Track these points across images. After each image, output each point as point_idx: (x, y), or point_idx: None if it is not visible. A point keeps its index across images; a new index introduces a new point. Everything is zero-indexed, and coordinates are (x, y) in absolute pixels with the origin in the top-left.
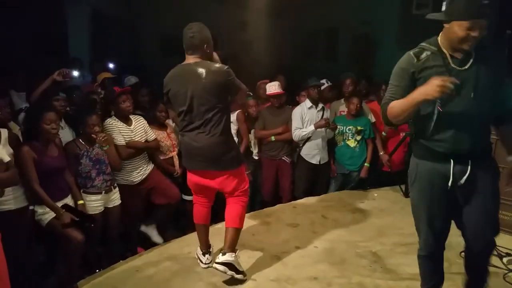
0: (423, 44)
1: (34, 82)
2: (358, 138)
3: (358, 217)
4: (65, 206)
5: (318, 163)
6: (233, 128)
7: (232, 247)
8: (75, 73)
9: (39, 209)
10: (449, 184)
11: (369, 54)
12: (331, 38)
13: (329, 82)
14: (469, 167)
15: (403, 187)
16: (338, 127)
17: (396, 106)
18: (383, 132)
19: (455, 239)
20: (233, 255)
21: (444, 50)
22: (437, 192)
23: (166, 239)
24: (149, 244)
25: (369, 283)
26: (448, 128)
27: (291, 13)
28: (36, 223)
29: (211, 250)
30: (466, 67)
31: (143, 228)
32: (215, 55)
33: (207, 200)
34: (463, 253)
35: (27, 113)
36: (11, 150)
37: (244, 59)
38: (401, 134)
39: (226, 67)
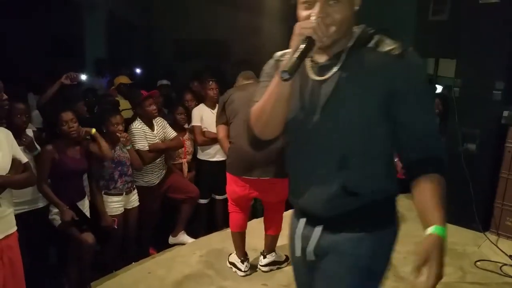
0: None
1: (44, 86)
2: None
3: None
4: (70, 205)
5: None
6: None
7: (271, 250)
8: (83, 76)
9: (54, 209)
10: (298, 253)
11: None
12: None
13: None
14: (317, 234)
15: None
16: None
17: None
18: None
19: (470, 248)
20: (273, 254)
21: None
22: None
23: (196, 235)
24: (161, 246)
25: None
26: (292, 161)
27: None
28: (49, 223)
29: (248, 257)
30: (325, 77)
31: (172, 240)
32: None
33: (245, 208)
34: (478, 263)
35: (44, 116)
36: (39, 149)
37: (257, 64)
38: None
39: None
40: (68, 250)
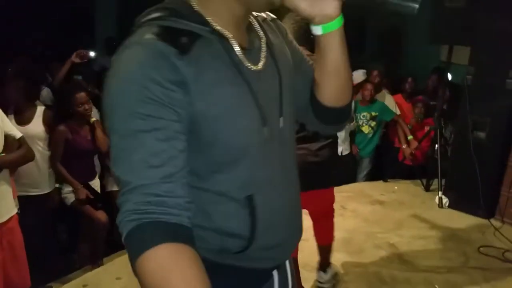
0: (164, 14)
1: (55, 67)
2: (373, 124)
3: (377, 209)
4: (84, 184)
5: (340, 154)
6: None
7: (329, 262)
8: (92, 54)
9: (66, 188)
10: None
11: (397, 47)
12: (358, 29)
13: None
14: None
15: (424, 181)
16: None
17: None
18: (408, 125)
19: (474, 234)
20: (331, 266)
21: (222, 30)
22: None
23: None
24: None
25: (385, 273)
26: (246, 186)
27: None
28: (60, 201)
29: None
30: (260, 66)
31: None
32: None
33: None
34: (481, 249)
35: (58, 96)
36: (42, 128)
37: None
38: (425, 128)
39: None
40: (80, 227)
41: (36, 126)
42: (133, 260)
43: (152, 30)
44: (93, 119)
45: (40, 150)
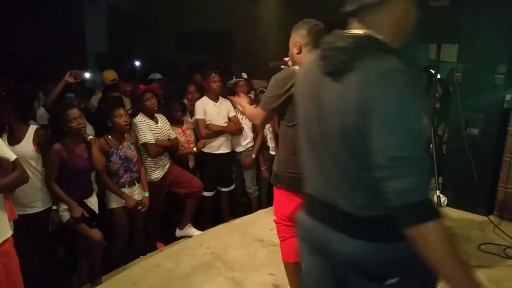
0: (384, 48)
1: (49, 86)
2: None
3: None
4: (79, 202)
5: None
6: (249, 123)
7: None
8: (87, 74)
9: (62, 205)
10: None
11: None
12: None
13: None
14: None
15: None
16: None
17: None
18: None
19: (474, 232)
20: None
21: None
22: None
23: (203, 228)
24: (168, 240)
25: None
26: None
27: (306, 5)
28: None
29: None
30: None
31: (179, 233)
32: None
33: None
34: (482, 246)
35: (51, 115)
36: (32, 147)
37: (260, 54)
38: None
39: None
40: (77, 245)
41: (26, 145)
42: (422, 220)
43: (396, 58)
44: (90, 137)
45: (31, 169)
